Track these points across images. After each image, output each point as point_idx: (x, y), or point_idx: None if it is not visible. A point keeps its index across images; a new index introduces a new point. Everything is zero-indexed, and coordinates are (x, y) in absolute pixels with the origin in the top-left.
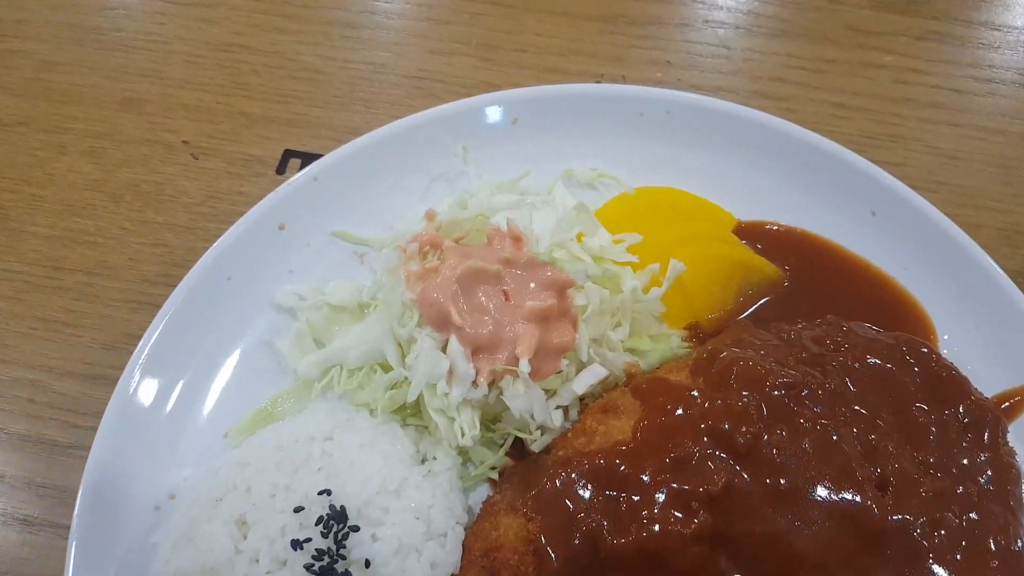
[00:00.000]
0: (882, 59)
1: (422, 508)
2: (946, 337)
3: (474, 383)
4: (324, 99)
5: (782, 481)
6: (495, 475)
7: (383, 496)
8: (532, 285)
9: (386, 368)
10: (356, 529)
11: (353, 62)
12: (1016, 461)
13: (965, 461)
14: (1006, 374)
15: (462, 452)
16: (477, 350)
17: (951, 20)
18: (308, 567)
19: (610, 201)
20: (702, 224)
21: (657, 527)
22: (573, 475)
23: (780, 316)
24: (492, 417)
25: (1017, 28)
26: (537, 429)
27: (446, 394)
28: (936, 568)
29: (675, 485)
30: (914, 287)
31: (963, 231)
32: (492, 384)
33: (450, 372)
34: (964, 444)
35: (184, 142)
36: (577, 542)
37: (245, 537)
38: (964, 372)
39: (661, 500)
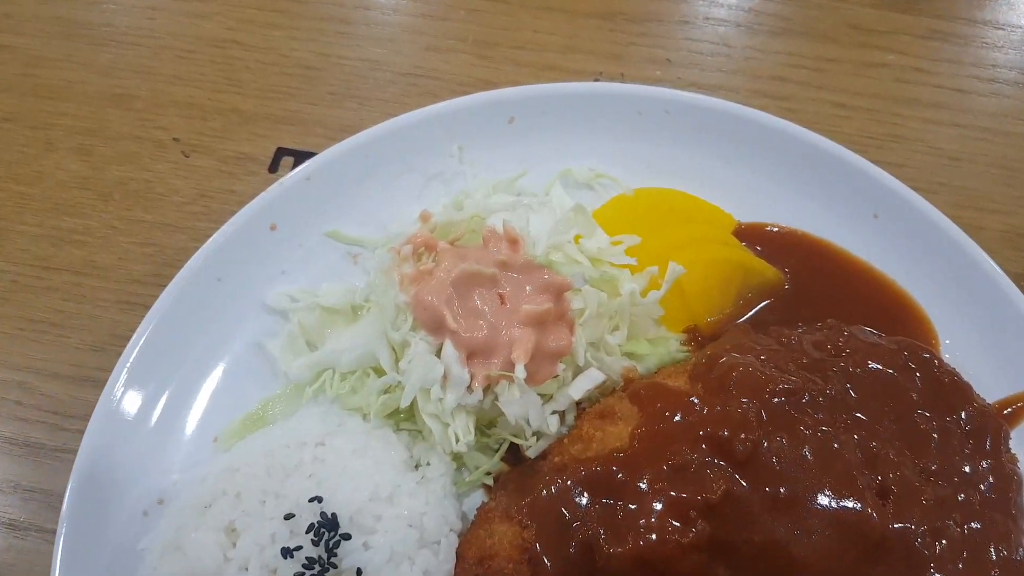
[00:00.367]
0: (884, 58)
1: (415, 515)
2: (948, 341)
3: (469, 388)
4: (318, 96)
5: (782, 489)
6: (490, 481)
7: (375, 503)
8: (528, 288)
9: (379, 372)
10: (348, 537)
11: (347, 59)
12: (1018, 468)
13: (967, 468)
14: (1008, 379)
15: (456, 457)
16: (472, 354)
17: (954, 19)
18: None
19: (608, 202)
20: (701, 226)
21: (654, 536)
22: (569, 482)
23: (780, 319)
24: (487, 422)
25: (1021, 27)
26: (533, 435)
27: (440, 399)
28: None
29: (673, 493)
30: (915, 290)
31: (965, 233)
32: (487, 389)
33: (444, 377)
34: (966, 451)
35: (175, 139)
36: (573, 551)
37: (234, 545)
38: (966, 377)
39: (659, 508)
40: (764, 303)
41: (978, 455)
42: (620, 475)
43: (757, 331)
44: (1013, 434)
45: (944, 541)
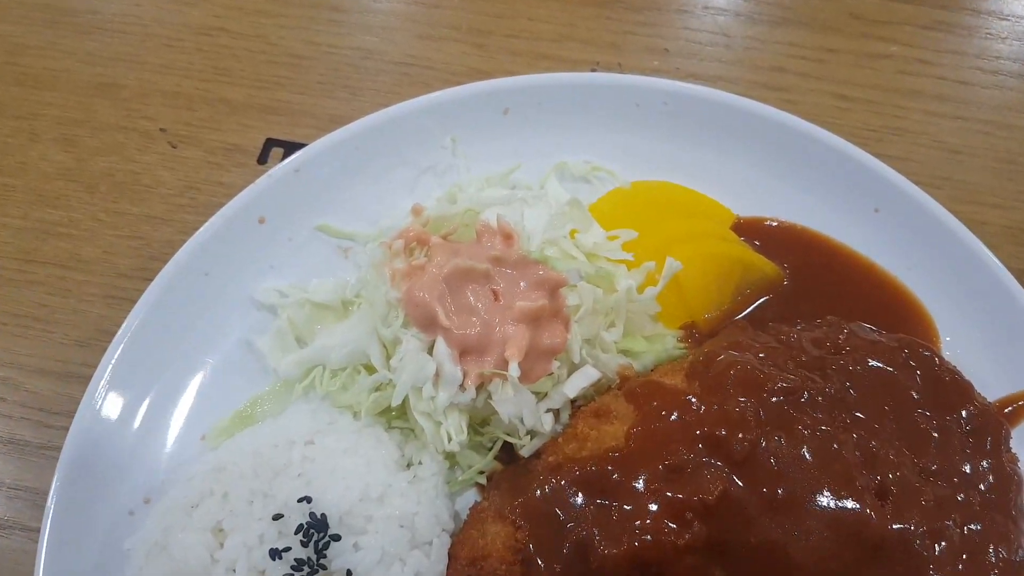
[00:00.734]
0: (886, 49)
1: (406, 516)
2: (948, 338)
3: (461, 386)
4: (308, 86)
5: (779, 490)
6: (483, 480)
7: (366, 503)
8: (523, 284)
9: (370, 369)
10: (337, 538)
11: (338, 47)
12: (1018, 468)
13: (967, 468)
14: (1009, 377)
15: (449, 456)
16: (465, 352)
17: (958, 9)
18: None
19: (604, 196)
20: (699, 220)
21: (650, 537)
22: (563, 482)
23: (779, 316)
24: (480, 420)
25: None
26: (527, 434)
27: (432, 398)
28: None
29: (669, 494)
30: (916, 286)
31: (967, 228)
32: (480, 387)
33: (436, 375)
34: (966, 451)
35: (162, 130)
36: (567, 552)
37: (222, 545)
38: (966, 375)
39: (654, 509)
40: (763, 299)
41: (978, 455)
42: (615, 475)
43: (755, 328)
44: (1014, 433)
45: (943, 542)
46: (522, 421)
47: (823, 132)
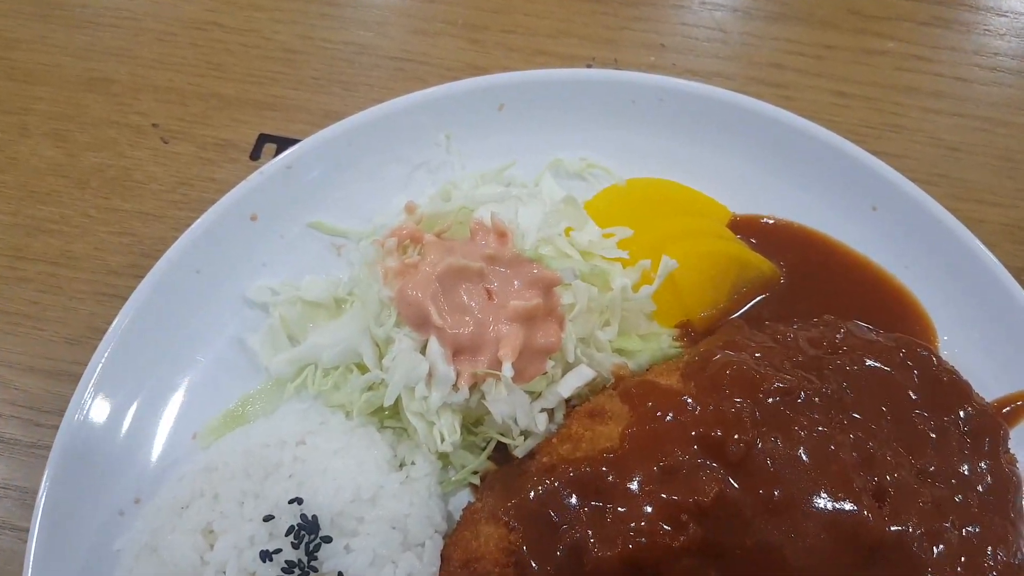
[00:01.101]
0: (884, 45)
1: (398, 517)
2: (946, 338)
3: (454, 386)
4: (301, 81)
5: (776, 491)
6: (476, 480)
7: (357, 505)
8: (517, 283)
9: (363, 369)
10: (328, 540)
11: (332, 42)
12: (1017, 469)
13: (965, 469)
14: (1008, 377)
15: (442, 456)
16: (458, 351)
17: (956, 5)
18: None
19: (600, 193)
20: (695, 218)
21: (644, 539)
22: (557, 483)
23: (775, 314)
24: (474, 420)
25: None
26: (521, 434)
27: (425, 398)
28: None
29: (664, 495)
30: (914, 285)
31: (965, 227)
32: (473, 387)
33: (429, 375)
34: (964, 451)
35: (154, 125)
36: (560, 554)
37: (211, 547)
38: (964, 375)
39: (649, 511)
40: (759, 298)
41: (976, 456)
42: (610, 476)
43: (752, 327)
44: (1012, 434)
45: (941, 544)
46: (516, 421)
47: (820, 129)
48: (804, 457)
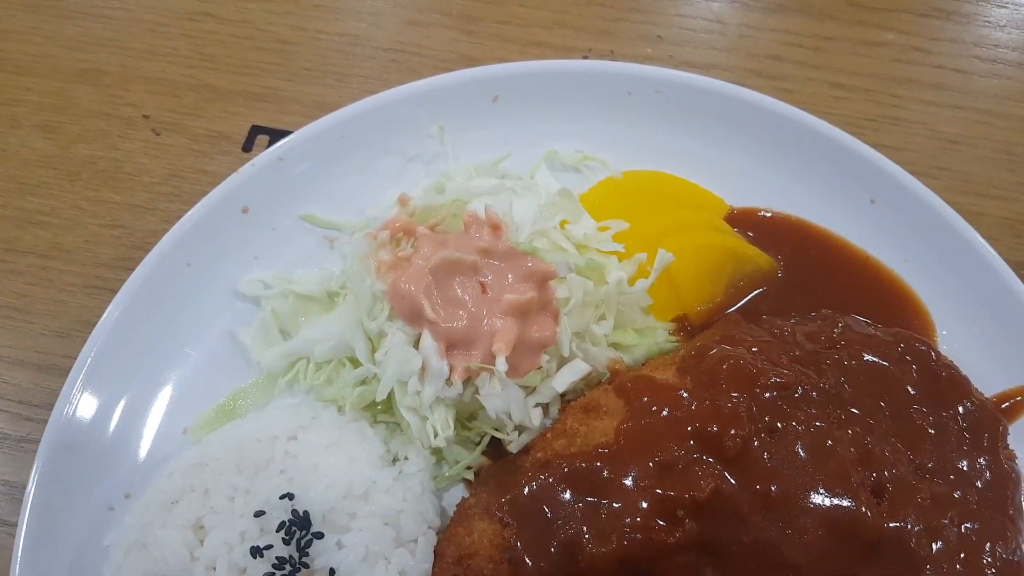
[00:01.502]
0: (883, 37)
1: (391, 513)
2: (945, 332)
3: (448, 381)
4: (294, 72)
5: (773, 487)
6: (470, 475)
7: (349, 501)
8: (511, 276)
9: (355, 363)
10: (320, 536)
11: (326, 33)
12: (1016, 465)
13: (964, 465)
14: (1007, 372)
15: (435, 451)
16: (451, 346)
17: None
18: None
19: (595, 186)
20: (692, 211)
21: (640, 535)
22: (552, 479)
23: (773, 308)
24: (468, 415)
25: None
26: (515, 429)
27: (418, 392)
28: None
29: (659, 491)
30: (913, 279)
31: (965, 220)
32: (467, 382)
33: (423, 369)
34: (963, 447)
35: (145, 117)
36: (555, 550)
37: (202, 543)
38: (963, 369)
39: (644, 507)
40: (756, 292)
41: (975, 452)
42: (605, 472)
43: (749, 321)
44: (1012, 430)
45: (940, 541)
46: (510, 416)
47: (818, 121)
48: (801, 453)
